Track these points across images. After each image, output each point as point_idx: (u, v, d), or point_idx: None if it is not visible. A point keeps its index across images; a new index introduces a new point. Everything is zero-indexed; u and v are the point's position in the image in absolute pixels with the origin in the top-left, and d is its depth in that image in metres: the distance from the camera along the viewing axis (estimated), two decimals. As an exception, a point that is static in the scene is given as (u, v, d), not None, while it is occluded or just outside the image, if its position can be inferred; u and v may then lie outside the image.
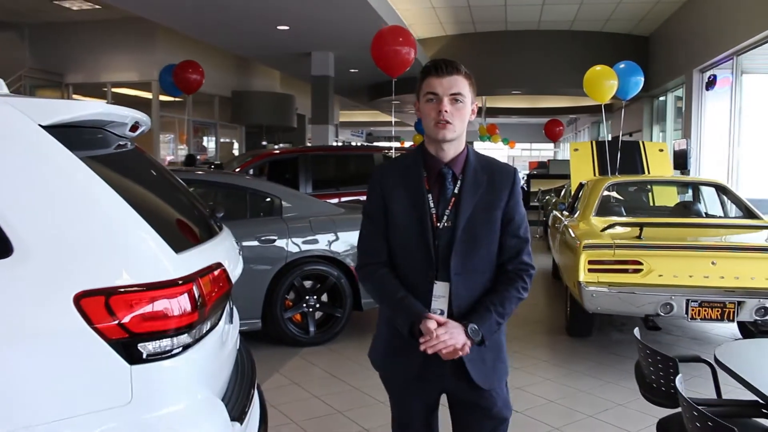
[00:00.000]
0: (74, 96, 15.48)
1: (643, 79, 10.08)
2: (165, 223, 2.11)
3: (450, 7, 15.14)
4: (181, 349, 1.86)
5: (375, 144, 28.35)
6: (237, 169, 8.77)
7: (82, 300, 1.73)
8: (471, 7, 15.08)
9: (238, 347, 2.63)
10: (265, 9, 10.39)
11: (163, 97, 14.41)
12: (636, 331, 2.98)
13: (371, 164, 9.04)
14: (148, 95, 14.73)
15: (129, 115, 2.39)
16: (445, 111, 2.02)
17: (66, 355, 1.71)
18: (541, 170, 22.03)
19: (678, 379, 2.33)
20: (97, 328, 1.73)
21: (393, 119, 12.18)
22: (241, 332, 2.82)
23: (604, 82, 9.52)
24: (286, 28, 11.73)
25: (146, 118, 2.62)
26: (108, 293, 1.76)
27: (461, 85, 2.05)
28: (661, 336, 6.05)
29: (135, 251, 1.85)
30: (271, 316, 5.56)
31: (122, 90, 15.28)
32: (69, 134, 1.97)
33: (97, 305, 1.74)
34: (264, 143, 19.72)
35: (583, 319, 5.76)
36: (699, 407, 1.99)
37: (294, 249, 5.58)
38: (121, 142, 2.43)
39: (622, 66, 9.98)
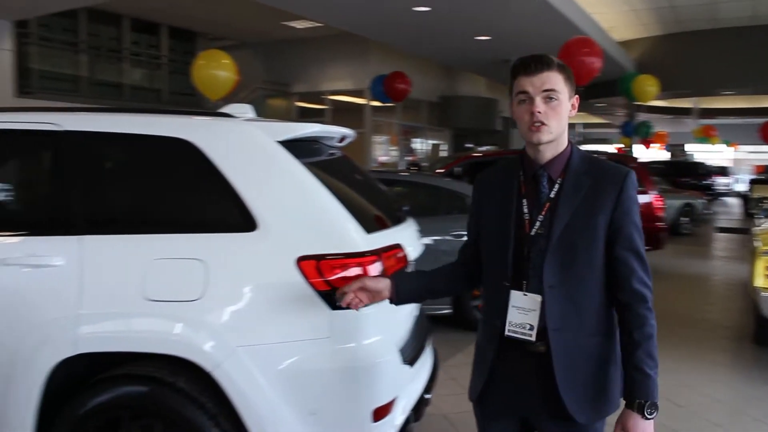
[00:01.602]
0: (298, 104, 17.39)
1: None
2: (360, 211, 2.82)
3: (651, 9, 14.79)
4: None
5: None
6: (441, 170, 9.56)
7: (301, 262, 2.49)
8: (674, 7, 14.60)
9: (416, 314, 3.30)
10: (464, 22, 11.10)
11: (375, 103, 15.70)
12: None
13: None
14: (361, 101, 16.14)
15: (337, 131, 3.17)
16: (538, 112, 1.85)
17: (289, 299, 2.48)
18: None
19: None
20: (310, 283, 2.48)
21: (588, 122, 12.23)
22: (432, 315, 3.46)
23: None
24: (485, 38, 12.37)
25: (351, 132, 3.37)
26: (318, 258, 2.50)
27: (555, 80, 1.87)
28: None
29: (337, 230, 2.58)
30: (461, 303, 6.20)
31: (339, 97, 16.86)
32: (294, 146, 2.76)
33: (311, 266, 2.49)
34: (469, 145, 20.52)
35: (765, 326, 5.71)
36: None
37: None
38: (332, 151, 3.22)
39: None
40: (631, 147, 19.21)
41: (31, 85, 12.92)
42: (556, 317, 1.88)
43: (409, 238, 3.19)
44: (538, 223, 1.91)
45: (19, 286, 2.59)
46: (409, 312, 3.13)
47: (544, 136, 1.88)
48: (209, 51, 9.53)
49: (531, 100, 1.87)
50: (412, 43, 13.40)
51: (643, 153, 25.52)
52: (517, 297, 1.93)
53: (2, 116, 2.94)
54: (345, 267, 2.52)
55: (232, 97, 14.95)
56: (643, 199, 8.36)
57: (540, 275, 1.89)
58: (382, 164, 17.45)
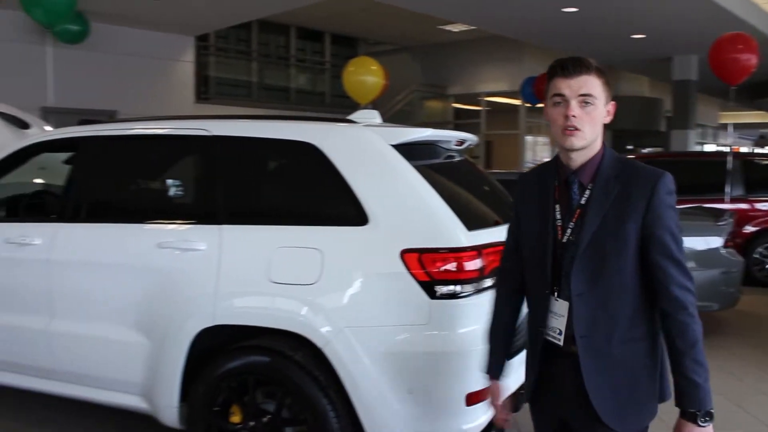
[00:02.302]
0: (454, 105, 17.68)
1: None
2: (466, 210, 3.03)
3: None
4: (464, 295, 2.77)
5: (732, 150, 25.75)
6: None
7: (404, 254, 2.75)
8: None
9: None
10: (615, 22, 10.81)
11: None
12: None
13: (722, 171, 8.85)
14: (516, 102, 16.12)
15: (453, 135, 3.39)
16: (573, 116, 1.82)
17: (393, 288, 2.75)
18: None
19: None
20: (412, 273, 2.73)
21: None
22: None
23: None
24: (642, 36, 11.92)
25: (471, 136, 3.57)
26: (420, 251, 2.75)
27: (592, 85, 1.84)
28: None
29: (439, 226, 2.82)
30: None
31: (493, 98, 16.93)
32: (409, 149, 3.03)
33: (413, 259, 2.74)
34: (629, 147, 19.72)
35: None
36: None
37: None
38: (449, 154, 3.45)
39: None
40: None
41: (208, 91, 14.29)
42: (583, 325, 1.86)
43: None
44: (569, 230, 1.90)
45: (171, 265, 3.08)
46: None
47: (578, 141, 1.85)
48: (359, 58, 10.10)
49: (566, 103, 1.84)
50: (566, 43, 13.19)
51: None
52: (552, 301, 1.94)
53: (164, 123, 3.51)
54: (445, 260, 2.75)
55: (389, 100, 15.69)
56: None
57: (569, 283, 1.87)
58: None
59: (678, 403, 1.83)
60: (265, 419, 2.92)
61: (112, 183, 3.64)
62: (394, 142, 3.01)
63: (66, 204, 3.58)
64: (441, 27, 14.79)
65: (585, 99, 1.83)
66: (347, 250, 2.85)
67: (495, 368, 2.16)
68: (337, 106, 15.42)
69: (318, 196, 3.07)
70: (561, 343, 1.92)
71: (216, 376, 2.94)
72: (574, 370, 1.89)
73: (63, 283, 3.39)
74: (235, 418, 2.99)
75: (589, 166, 1.90)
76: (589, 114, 1.84)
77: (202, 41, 13.81)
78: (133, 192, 3.79)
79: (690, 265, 1.96)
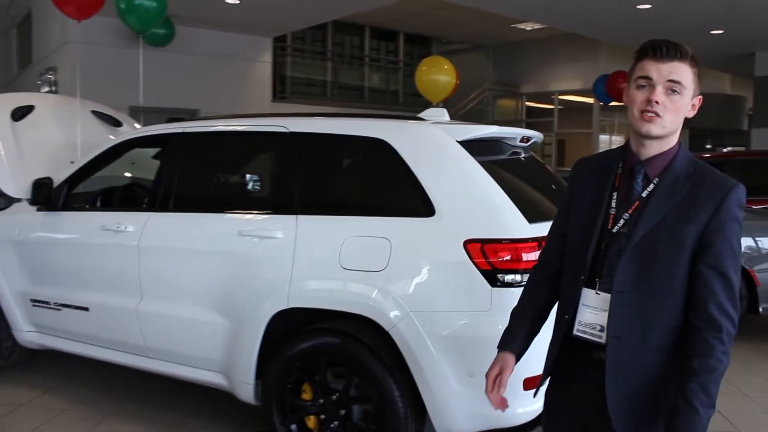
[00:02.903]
0: (526, 103, 17.59)
1: None
2: (526, 203, 3.13)
3: None
4: (523, 283, 2.88)
5: None
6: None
7: (468, 244, 2.89)
8: None
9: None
10: (691, 18, 10.53)
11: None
12: None
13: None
14: (590, 101, 15.90)
15: (518, 132, 3.49)
16: (656, 102, 1.68)
17: (456, 275, 2.89)
18: None
19: None
20: (475, 263, 2.87)
21: None
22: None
23: None
24: (720, 32, 11.57)
25: (536, 134, 3.66)
26: (483, 242, 2.88)
27: (683, 73, 1.70)
28: None
29: (501, 218, 2.94)
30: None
31: (567, 97, 16.75)
32: (475, 145, 3.17)
33: (476, 248, 2.88)
34: (708, 146, 19.12)
35: None
36: None
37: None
38: (515, 151, 3.56)
39: None
40: None
41: (285, 91, 14.72)
42: (618, 324, 1.73)
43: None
44: (622, 221, 1.76)
45: (251, 252, 3.32)
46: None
47: (655, 128, 1.71)
48: (431, 57, 10.25)
49: (652, 87, 1.70)
50: (641, 40, 12.88)
51: None
52: (588, 295, 1.79)
53: (245, 121, 3.77)
54: (506, 251, 2.88)
55: (462, 99, 15.76)
56: None
57: (612, 276, 1.74)
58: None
59: (668, 424, 1.66)
60: (333, 397, 3.12)
61: (196, 175, 3.91)
62: (460, 139, 3.15)
63: (155, 195, 3.87)
64: (514, 25, 14.75)
65: (672, 86, 1.70)
66: (414, 240, 3.01)
67: (505, 341, 1.99)
68: (410, 105, 15.59)
69: (387, 188, 3.25)
70: (603, 340, 1.76)
71: (289, 355, 3.15)
72: (601, 374, 1.75)
73: (151, 266, 3.69)
74: (306, 396, 3.21)
75: (661, 159, 1.77)
76: (674, 103, 1.71)
77: (279, 42, 14.24)
78: (216, 184, 4.08)
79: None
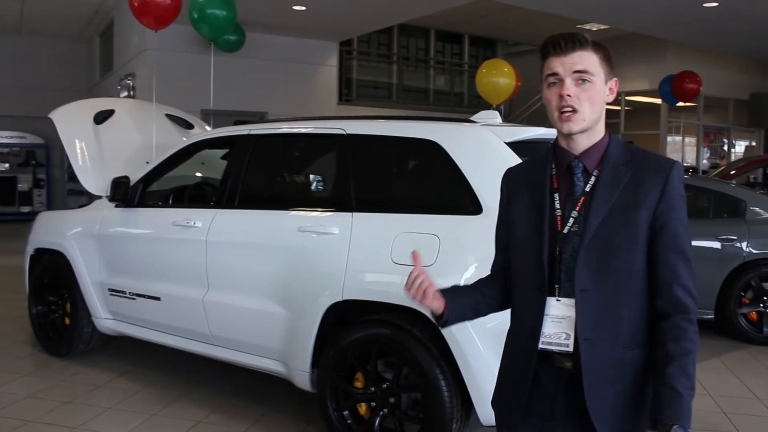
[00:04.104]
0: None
1: None
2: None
3: None
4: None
5: None
6: (731, 173, 9.12)
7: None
8: None
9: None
10: (764, 15, 10.24)
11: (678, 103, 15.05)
12: None
13: None
14: (658, 101, 15.59)
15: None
16: (568, 95, 1.66)
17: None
18: None
19: None
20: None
21: None
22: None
23: None
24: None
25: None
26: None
27: (588, 61, 1.68)
28: None
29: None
30: (725, 310, 6.04)
31: (634, 98, 16.45)
32: (521, 147, 3.28)
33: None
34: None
35: None
36: None
37: (753, 250, 5.94)
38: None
39: None
40: None
41: (350, 93, 15.02)
42: (588, 326, 1.67)
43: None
44: (571, 220, 1.71)
45: (309, 247, 3.53)
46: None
47: (576, 125, 1.68)
48: (491, 60, 10.30)
49: (561, 82, 1.68)
50: (709, 39, 12.61)
51: None
52: (551, 304, 1.72)
53: (306, 123, 4.00)
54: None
55: (527, 100, 15.70)
56: None
57: (572, 278, 1.68)
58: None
59: (653, 415, 1.63)
60: (384, 386, 3.29)
61: (260, 175, 4.15)
62: (508, 140, 3.27)
63: (222, 193, 4.14)
64: (580, 26, 14.61)
65: (581, 76, 1.68)
66: (462, 236, 3.15)
67: (448, 290, 1.94)
68: (475, 107, 15.59)
69: (437, 187, 3.40)
70: (570, 348, 1.69)
71: (343, 345, 3.34)
72: (570, 379, 1.71)
73: (217, 260, 3.94)
74: (358, 384, 3.39)
75: (595, 150, 1.74)
76: (587, 92, 1.68)
77: (345, 46, 14.54)
78: (278, 183, 4.33)
79: None
